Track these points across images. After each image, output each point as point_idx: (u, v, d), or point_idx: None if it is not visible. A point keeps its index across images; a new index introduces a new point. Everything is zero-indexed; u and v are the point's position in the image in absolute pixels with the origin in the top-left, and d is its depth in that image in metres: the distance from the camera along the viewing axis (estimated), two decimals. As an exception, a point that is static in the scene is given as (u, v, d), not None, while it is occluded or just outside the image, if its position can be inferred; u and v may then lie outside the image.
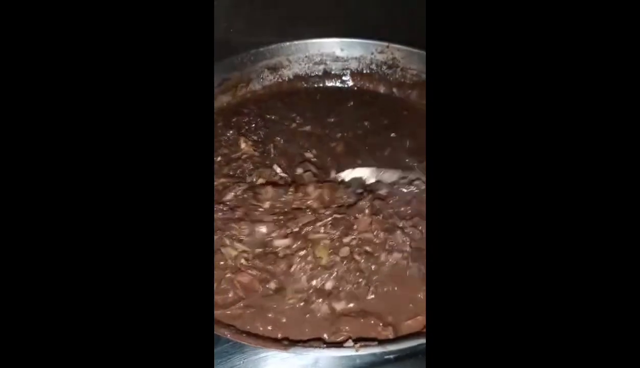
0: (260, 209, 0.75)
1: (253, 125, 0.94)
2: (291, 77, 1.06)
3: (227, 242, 0.70)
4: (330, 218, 0.71)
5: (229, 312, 0.63)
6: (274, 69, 1.04)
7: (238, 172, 0.83)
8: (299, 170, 0.84)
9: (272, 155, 0.87)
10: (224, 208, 0.74)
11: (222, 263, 0.68)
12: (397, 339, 0.60)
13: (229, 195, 0.77)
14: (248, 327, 0.62)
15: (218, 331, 0.58)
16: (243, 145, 0.88)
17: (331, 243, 0.69)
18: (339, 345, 0.59)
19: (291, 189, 0.77)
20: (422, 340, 0.56)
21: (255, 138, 0.91)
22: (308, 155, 0.88)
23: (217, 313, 0.63)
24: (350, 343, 0.58)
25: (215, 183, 0.80)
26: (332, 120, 0.97)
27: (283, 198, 0.76)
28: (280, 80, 1.05)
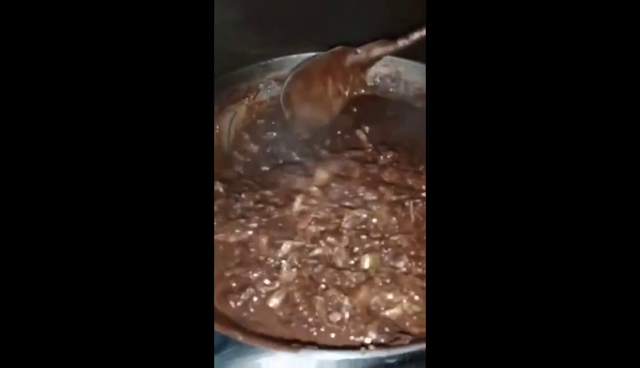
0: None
1: (268, 132, 1.00)
2: (298, 88, 1.09)
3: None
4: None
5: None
6: (281, 80, 1.06)
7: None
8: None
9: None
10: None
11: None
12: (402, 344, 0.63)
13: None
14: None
15: (230, 332, 0.61)
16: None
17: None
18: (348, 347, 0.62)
19: None
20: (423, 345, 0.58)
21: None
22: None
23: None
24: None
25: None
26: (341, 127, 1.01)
27: None
28: (287, 91, 1.08)
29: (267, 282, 0.71)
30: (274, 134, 0.99)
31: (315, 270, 0.71)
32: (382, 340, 0.64)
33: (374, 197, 0.80)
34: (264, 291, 0.70)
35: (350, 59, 0.99)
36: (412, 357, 0.60)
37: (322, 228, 0.76)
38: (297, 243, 0.74)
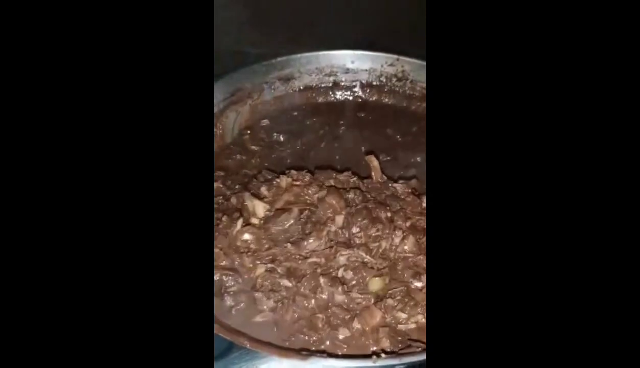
0: None
1: (274, 133, 0.99)
2: (302, 88, 1.07)
3: None
4: None
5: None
6: (285, 80, 1.05)
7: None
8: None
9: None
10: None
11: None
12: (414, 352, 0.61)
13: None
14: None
15: (235, 338, 0.60)
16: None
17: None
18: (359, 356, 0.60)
19: None
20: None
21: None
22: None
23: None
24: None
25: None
26: (345, 129, 1.00)
27: None
28: (291, 91, 1.07)
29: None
30: (281, 138, 0.98)
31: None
32: (394, 349, 0.62)
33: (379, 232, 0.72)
34: (252, 308, 0.67)
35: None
36: (422, 365, 0.59)
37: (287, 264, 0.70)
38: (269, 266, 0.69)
